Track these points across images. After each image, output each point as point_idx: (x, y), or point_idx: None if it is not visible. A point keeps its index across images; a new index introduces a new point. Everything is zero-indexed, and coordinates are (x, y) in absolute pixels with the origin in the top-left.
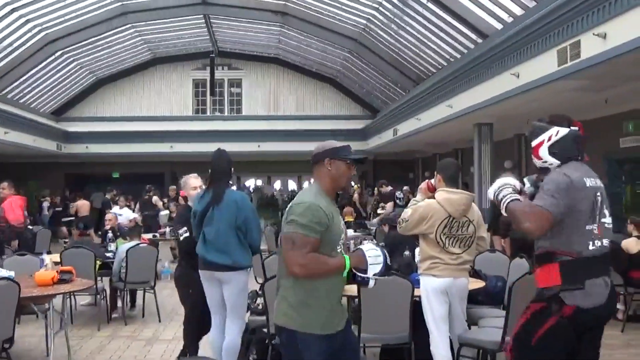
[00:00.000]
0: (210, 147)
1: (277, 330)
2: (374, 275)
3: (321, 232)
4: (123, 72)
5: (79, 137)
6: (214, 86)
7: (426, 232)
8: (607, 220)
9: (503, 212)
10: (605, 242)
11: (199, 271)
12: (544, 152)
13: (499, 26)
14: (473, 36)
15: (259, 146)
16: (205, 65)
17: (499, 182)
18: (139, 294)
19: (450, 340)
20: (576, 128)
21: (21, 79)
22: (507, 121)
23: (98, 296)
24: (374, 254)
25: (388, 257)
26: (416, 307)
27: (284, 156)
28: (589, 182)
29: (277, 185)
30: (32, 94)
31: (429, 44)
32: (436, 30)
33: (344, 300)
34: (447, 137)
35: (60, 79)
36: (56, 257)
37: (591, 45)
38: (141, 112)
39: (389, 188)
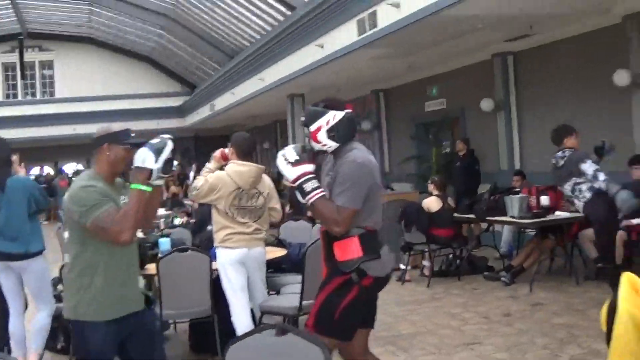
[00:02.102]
0: (23, 133)
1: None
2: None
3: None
4: None
5: None
6: (25, 69)
7: (216, 203)
8: None
9: (308, 204)
10: None
11: None
12: (322, 136)
13: None
14: (282, 8)
15: (74, 129)
16: (14, 47)
17: (301, 169)
18: None
19: (253, 311)
20: (350, 110)
21: None
22: (318, 92)
23: None
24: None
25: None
26: (217, 280)
27: None
28: (372, 157)
29: None
30: None
31: (241, 18)
32: (247, 3)
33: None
34: (263, 109)
35: None
36: None
37: (386, 15)
38: None
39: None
